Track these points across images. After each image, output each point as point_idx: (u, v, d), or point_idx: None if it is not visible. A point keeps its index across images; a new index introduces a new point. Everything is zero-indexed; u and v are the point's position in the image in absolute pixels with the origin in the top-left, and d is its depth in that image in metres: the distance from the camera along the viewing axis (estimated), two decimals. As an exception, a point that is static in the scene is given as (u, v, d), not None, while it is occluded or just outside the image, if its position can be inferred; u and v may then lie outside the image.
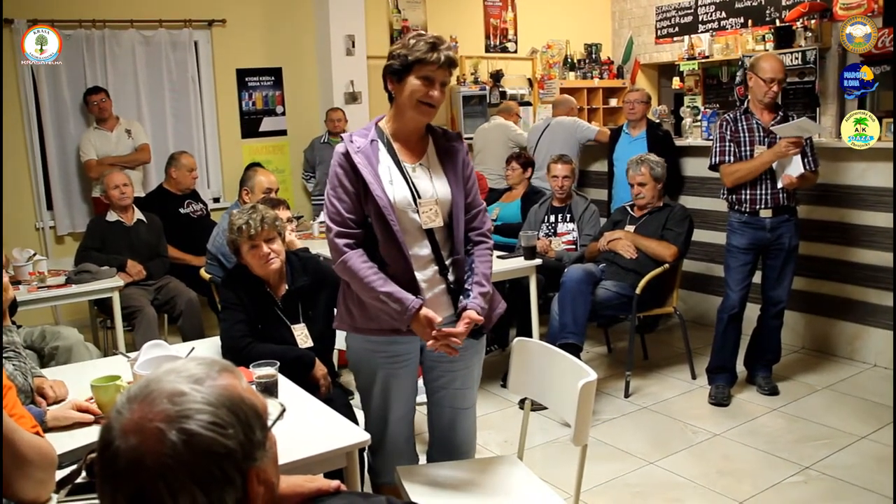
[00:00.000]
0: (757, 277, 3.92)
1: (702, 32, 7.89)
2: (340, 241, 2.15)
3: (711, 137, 4.77)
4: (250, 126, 6.47)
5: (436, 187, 2.20)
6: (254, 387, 1.93)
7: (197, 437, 0.88)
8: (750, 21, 7.48)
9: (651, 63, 8.66)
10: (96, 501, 0.94)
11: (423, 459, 2.55)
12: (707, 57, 7.69)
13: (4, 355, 2.08)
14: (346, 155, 2.15)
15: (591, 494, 2.96)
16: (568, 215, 4.60)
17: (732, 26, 7.68)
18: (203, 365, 0.96)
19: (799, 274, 4.08)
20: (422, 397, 2.41)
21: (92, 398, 2.07)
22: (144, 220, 4.52)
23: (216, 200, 6.25)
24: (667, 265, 4.00)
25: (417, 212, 2.16)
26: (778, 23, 7.14)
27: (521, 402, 2.41)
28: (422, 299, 2.14)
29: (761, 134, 3.71)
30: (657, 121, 5.62)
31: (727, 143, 3.74)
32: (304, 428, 1.96)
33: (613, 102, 8.57)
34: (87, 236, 4.43)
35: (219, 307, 3.40)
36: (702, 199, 5.01)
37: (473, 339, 2.26)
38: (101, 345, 4.47)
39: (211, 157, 6.34)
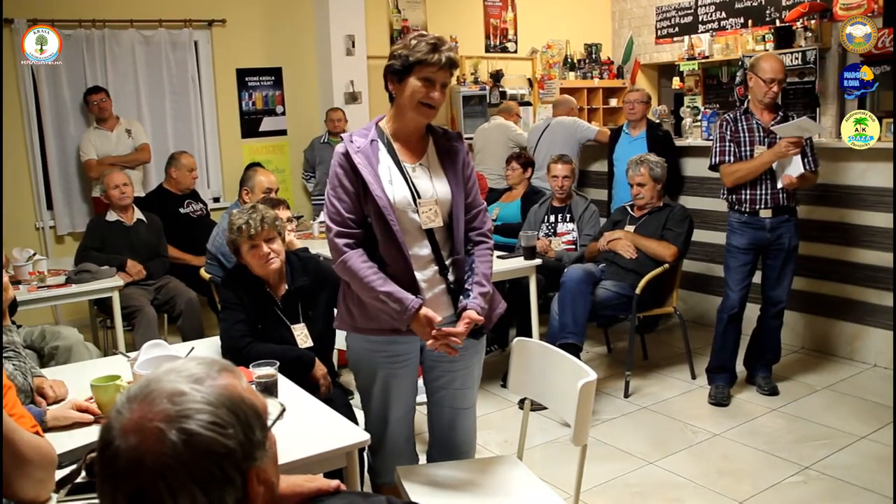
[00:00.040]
0: (757, 277, 3.92)
1: (702, 32, 7.89)
2: (340, 241, 2.15)
3: (711, 137, 4.77)
4: (250, 126, 6.47)
5: (436, 187, 2.20)
6: (254, 387, 1.93)
7: (197, 437, 0.88)
8: (750, 21, 7.48)
9: (651, 63, 8.66)
10: (96, 501, 0.94)
11: (423, 459, 2.55)
12: (707, 57, 7.69)
13: (4, 355, 2.08)
14: (346, 155, 2.15)
15: (591, 494, 2.96)
16: (568, 215, 4.60)
17: (732, 26, 7.68)
18: (203, 365, 0.96)
19: (799, 274, 4.09)
20: (422, 397, 2.41)
21: (92, 398, 2.07)
22: (144, 219, 4.52)
23: (216, 200, 6.25)
24: (667, 265, 4.00)
25: (417, 212, 2.16)
26: (778, 23, 7.15)
27: (521, 402, 2.41)
28: (422, 299, 2.14)
29: (761, 134, 3.71)
30: (657, 121, 5.62)
31: (727, 143, 3.74)
32: (304, 428, 1.96)
33: (613, 102, 8.57)
34: (87, 236, 4.43)
35: (219, 307, 3.40)
36: (702, 199, 5.01)
37: (473, 339, 2.26)
38: (101, 345, 4.47)
39: (211, 157, 6.34)
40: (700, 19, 7.99)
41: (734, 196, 3.79)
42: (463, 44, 7.48)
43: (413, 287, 2.15)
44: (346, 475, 1.93)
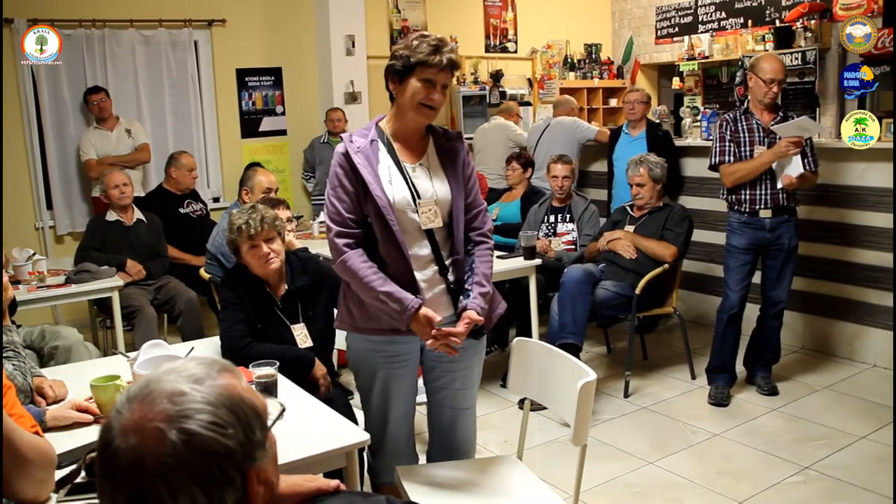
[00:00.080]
0: (756, 277, 3.92)
1: (702, 33, 7.89)
2: (340, 241, 2.15)
3: (711, 137, 4.77)
4: (250, 126, 6.47)
5: (435, 187, 2.20)
6: (253, 387, 1.93)
7: (197, 437, 0.88)
8: (750, 21, 7.48)
9: (651, 63, 8.66)
10: (96, 501, 0.94)
11: (422, 459, 2.55)
12: (707, 57, 7.69)
13: (4, 355, 2.08)
14: (346, 155, 2.15)
15: (591, 494, 2.96)
16: (567, 215, 4.60)
17: (732, 26, 7.68)
18: (203, 365, 0.96)
19: (799, 274, 4.09)
20: (422, 397, 2.41)
21: (91, 398, 2.07)
22: (144, 219, 4.52)
23: (216, 200, 6.25)
24: (666, 265, 4.00)
25: (417, 212, 2.16)
26: (778, 23, 7.15)
27: (521, 402, 2.41)
28: (421, 299, 2.14)
29: (761, 134, 3.71)
30: (657, 121, 5.63)
31: (727, 144, 3.74)
32: (304, 428, 1.96)
33: (613, 102, 8.57)
34: (87, 236, 4.43)
35: (218, 307, 3.40)
36: (701, 200, 5.01)
37: (473, 339, 2.26)
38: (101, 344, 4.47)
39: (211, 156, 6.34)
40: (700, 19, 7.99)
41: (734, 196, 3.79)
42: (463, 44, 7.48)
43: (413, 287, 2.15)
44: (346, 475, 1.93)
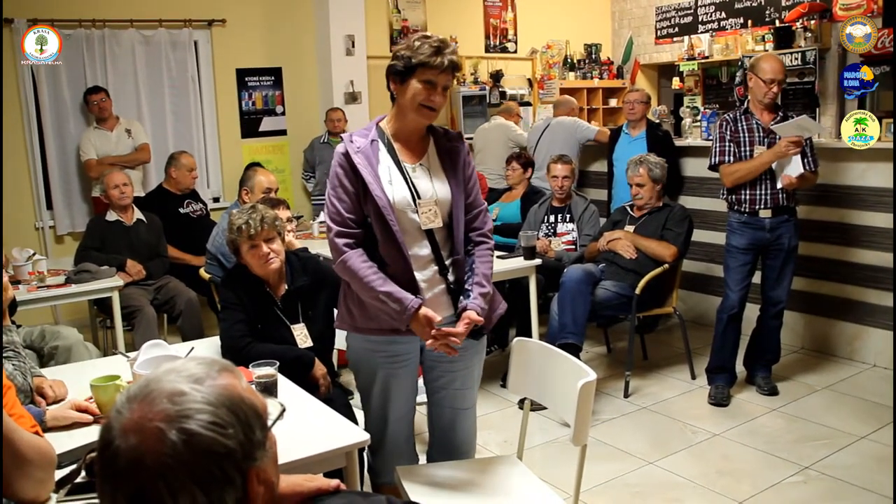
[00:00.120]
0: (756, 277, 3.92)
1: (702, 33, 7.90)
2: (340, 241, 2.15)
3: (711, 137, 4.77)
4: (250, 126, 6.47)
5: (436, 188, 2.20)
6: (253, 387, 1.93)
7: (197, 437, 0.88)
8: (750, 21, 7.48)
9: (651, 63, 8.66)
10: (96, 501, 0.94)
11: (423, 459, 2.55)
12: (707, 57, 7.69)
13: (4, 355, 2.08)
14: (346, 155, 2.15)
15: (591, 494, 2.96)
16: (567, 215, 4.60)
17: (732, 27, 7.68)
18: (203, 365, 0.96)
19: (799, 274, 4.09)
20: (422, 397, 2.41)
21: (91, 398, 2.07)
22: (144, 219, 4.52)
23: (216, 200, 6.25)
24: (666, 265, 4.00)
25: (417, 212, 2.16)
26: (778, 23, 7.15)
27: (521, 402, 2.41)
28: (421, 299, 2.14)
29: (761, 134, 3.71)
30: (657, 121, 5.63)
31: (727, 143, 3.74)
32: (304, 428, 1.96)
33: (613, 102, 8.57)
34: (87, 236, 4.43)
35: (218, 307, 3.40)
36: (701, 200, 5.01)
37: (473, 339, 2.26)
38: (101, 344, 4.47)
39: (211, 156, 6.34)
40: (700, 19, 7.99)
41: (734, 196, 3.79)
42: (463, 44, 7.47)
43: (413, 287, 2.15)
44: (346, 475, 1.93)
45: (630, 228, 4.21)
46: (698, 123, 5.76)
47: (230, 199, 5.82)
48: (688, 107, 6.63)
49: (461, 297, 2.21)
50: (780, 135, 3.61)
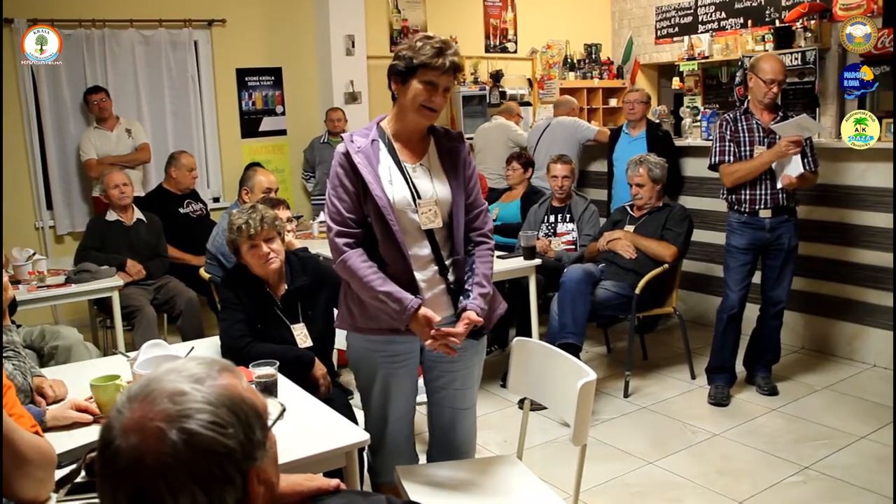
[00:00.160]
0: (756, 277, 3.92)
1: (702, 33, 7.89)
2: (340, 241, 2.15)
3: (711, 137, 4.77)
4: (250, 126, 6.47)
5: (436, 188, 2.20)
6: (253, 386, 1.93)
7: (197, 437, 0.88)
8: (750, 21, 7.48)
9: (651, 63, 8.66)
10: (96, 501, 0.94)
11: (423, 459, 2.55)
12: (707, 57, 7.69)
13: (4, 355, 2.08)
14: (347, 155, 2.15)
15: (591, 494, 2.96)
16: (567, 215, 4.60)
17: (732, 26, 7.68)
18: (203, 364, 0.96)
19: (798, 274, 4.09)
20: (422, 397, 2.41)
21: (91, 398, 2.07)
22: (144, 219, 4.52)
23: (216, 200, 6.25)
24: (666, 265, 4.00)
25: (417, 212, 2.16)
26: (778, 23, 7.15)
27: (521, 402, 2.41)
28: (421, 299, 2.14)
29: (761, 134, 3.71)
30: (657, 121, 5.63)
31: (727, 143, 3.74)
32: (304, 428, 1.96)
33: (613, 102, 8.57)
34: (87, 236, 4.43)
35: (218, 307, 3.40)
36: (701, 200, 5.01)
37: (473, 339, 2.26)
38: (101, 344, 4.47)
39: (211, 156, 6.34)
40: (700, 19, 7.99)
41: (734, 196, 3.79)
42: (463, 44, 7.46)
43: (413, 287, 2.15)
44: (346, 475, 1.93)
45: (630, 228, 4.21)
46: (698, 123, 5.76)
47: (230, 199, 5.82)
48: (688, 107, 6.63)
49: (461, 298, 2.21)
50: (780, 134, 3.61)
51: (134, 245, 4.41)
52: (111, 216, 4.44)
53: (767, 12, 7.37)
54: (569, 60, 8.39)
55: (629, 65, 8.73)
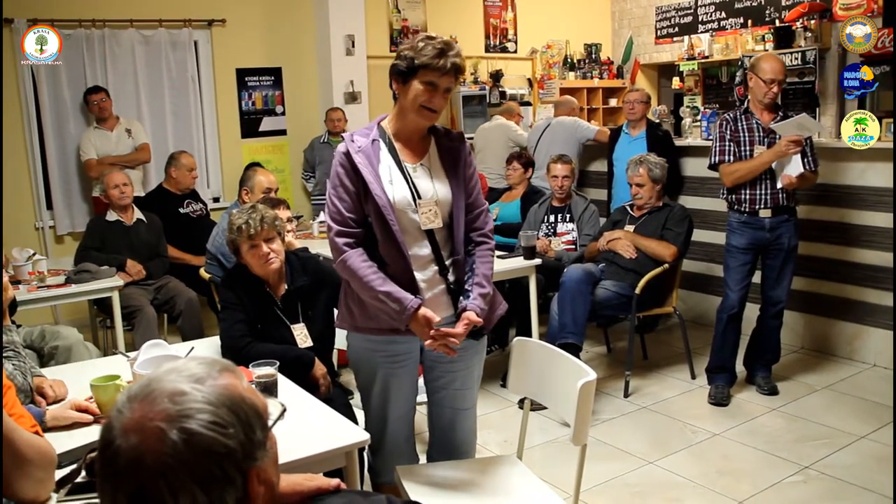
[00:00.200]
0: (756, 277, 3.92)
1: (702, 32, 7.89)
2: (340, 241, 2.15)
3: (711, 137, 4.77)
4: (250, 126, 6.47)
5: (436, 188, 2.19)
6: (253, 386, 1.93)
7: (198, 437, 0.88)
8: (750, 21, 7.48)
9: (651, 63, 8.66)
10: (96, 501, 0.94)
11: (423, 459, 2.55)
12: (707, 57, 7.69)
13: (4, 355, 2.08)
14: (347, 154, 2.15)
15: (591, 494, 2.96)
16: (567, 215, 4.60)
17: (732, 26, 7.68)
18: (204, 364, 0.96)
19: (798, 274, 4.09)
20: (422, 397, 2.41)
21: (91, 398, 2.07)
22: (144, 219, 4.52)
23: (216, 200, 6.25)
24: (666, 265, 4.00)
25: (417, 212, 2.16)
26: (778, 23, 7.14)
27: (521, 402, 2.41)
28: (421, 299, 2.14)
29: (761, 134, 3.71)
30: (657, 121, 5.63)
31: (727, 143, 3.74)
32: (304, 428, 1.96)
33: (613, 102, 8.57)
34: (87, 236, 4.43)
35: (218, 307, 3.40)
36: (701, 199, 5.01)
37: (473, 339, 2.26)
38: (101, 344, 4.47)
39: (211, 156, 6.34)
40: (700, 19, 7.99)
41: (734, 196, 3.79)
42: (463, 44, 7.35)
43: (412, 287, 2.15)
44: (346, 475, 1.93)
45: (630, 228, 4.21)
46: (698, 123, 5.76)
47: (230, 199, 5.82)
48: (688, 107, 6.62)
49: (461, 298, 2.21)
50: (780, 134, 3.61)
51: (134, 245, 4.41)
52: (111, 216, 4.44)
53: (767, 12, 7.37)
54: (569, 60, 8.39)
55: (629, 65, 8.73)
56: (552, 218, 4.63)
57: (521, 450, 2.42)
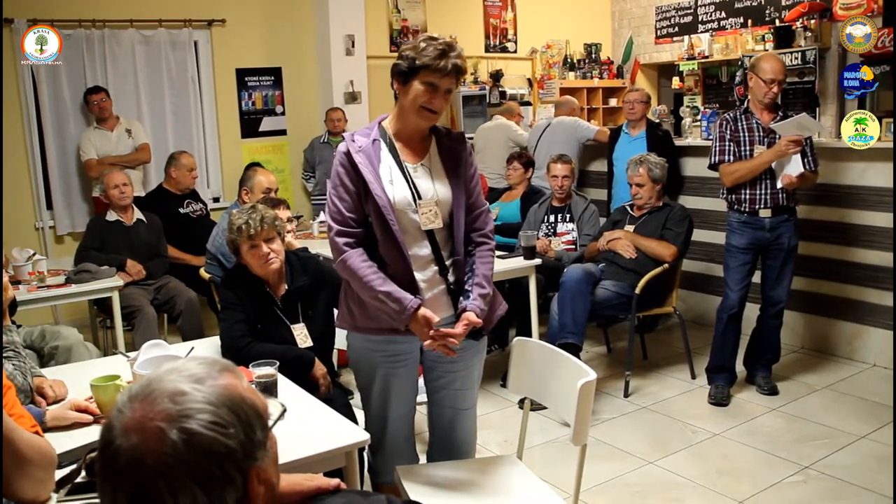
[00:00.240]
0: (756, 277, 3.92)
1: (701, 32, 7.90)
2: (341, 240, 2.15)
3: (711, 137, 4.77)
4: (250, 126, 6.47)
5: (437, 188, 2.19)
6: (253, 386, 1.93)
7: (198, 437, 0.88)
8: (750, 21, 7.48)
9: (651, 63, 8.66)
10: (96, 501, 0.94)
11: (423, 459, 2.55)
12: (707, 57, 7.69)
13: (4, 355, 2.08)
14: (348, 154, 2.15)
15: (591, 494, 2.96)
16: (567, 215, 4.60)
17: (732, 26, 7.68)
18: (204, 364, 0.96)
19: (798, 274, 4.09)
20: (422, 397, 2.41)
21: (91, 398, 2.07)
22: (144, 219, 4.52)
23: (216, 200, 6.26)
24: (666, 265, 4.00)
25: (417, 212, 2.16)
26: (778, 23, 7.14)
27: (521, 402, 2.41)
28: (421, 299, 2.14)
29: (761, 134, 3.71)
30: (657, 121, 5.63)
31: (727, 143, 3.74)
32: (304, 428, 1.96)
33: (613, 102, 8.57)
34: (87, 236, 4.43)
35: (218, 307, 3.40)
36: (702, 199, 5.01)
37: (473, 339, 2.26)
38: (101, 344, 4.47)
39: (211, 156, 6.34)
40: (700, 19, 7.99)
41: (734, 196, 3.79)
42: (463, 44, 7.31)
43: (412, 287, 2.15)
44: (346, 475, 1.93)
45: (630, 228, 4.21)
46: (698, 123, 5.76)
47: (230, 199, 5.82)
48: (688, 106, 6.62)
49: (461, 298, 2.21)
50: (780, 134, 3.61)
51: (134, 245, 4.41)
52: (111, 216, 4.44)
53: (767, 12, 7.37)
54: (569, 60, 8.39)
55: (629, 64, 8.73)
56: (552, 218, 4.63)
57: (521, 450, 2.42)
